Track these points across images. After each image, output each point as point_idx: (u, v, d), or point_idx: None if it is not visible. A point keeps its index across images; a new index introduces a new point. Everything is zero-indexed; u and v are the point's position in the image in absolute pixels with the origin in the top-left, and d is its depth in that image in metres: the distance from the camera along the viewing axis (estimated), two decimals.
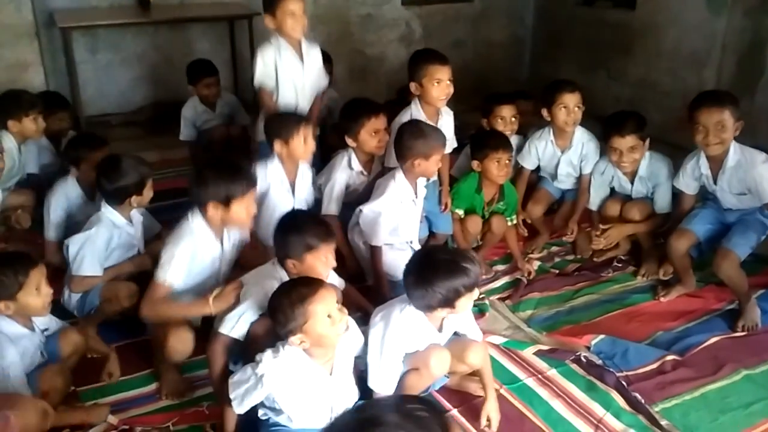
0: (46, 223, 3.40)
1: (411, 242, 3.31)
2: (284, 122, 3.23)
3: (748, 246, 3.15)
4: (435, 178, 3.57)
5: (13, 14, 4.98)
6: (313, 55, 3.74)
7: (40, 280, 2.44)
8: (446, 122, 3.52)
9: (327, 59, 4.38)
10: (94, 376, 2.73)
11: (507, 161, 3.54)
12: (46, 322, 2.57)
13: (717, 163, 3.23)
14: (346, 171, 3.52)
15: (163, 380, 2.73)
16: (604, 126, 3.58)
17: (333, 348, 2.25)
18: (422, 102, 3.42)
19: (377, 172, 3.56)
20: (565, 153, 3.82)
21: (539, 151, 3.86)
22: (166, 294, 2.62)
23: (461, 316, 2.53)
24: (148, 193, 3.07)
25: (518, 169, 3.94)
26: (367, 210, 3.20)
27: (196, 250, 2.71)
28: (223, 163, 2.89)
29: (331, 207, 3.49)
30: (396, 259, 3.08)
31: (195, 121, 4.58)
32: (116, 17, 5.20)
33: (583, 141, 3.80)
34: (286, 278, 2.48)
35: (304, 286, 2.19)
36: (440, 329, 2.48)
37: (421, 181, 3.28)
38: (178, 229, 2.73)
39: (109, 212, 3.01)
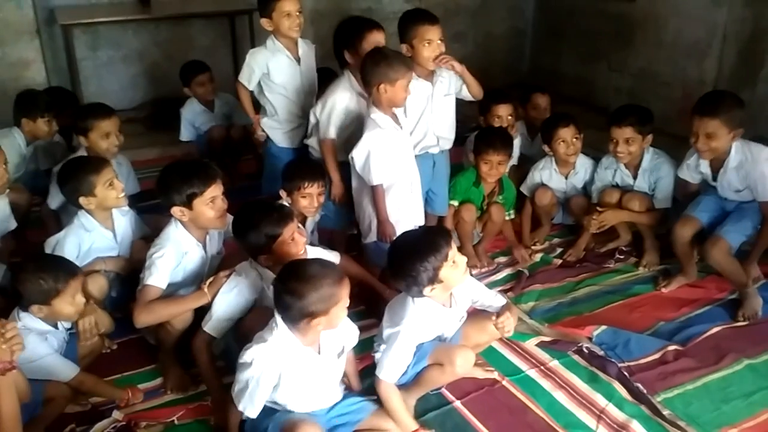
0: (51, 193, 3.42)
1: (412, 184, 3.23)
2: (291, 175, 3.18)
3: (741, 234, 3.16)
4: (436, 161, 3.54)
5: (14, 12, 5.01)
6: (309, 55, 3.75)
7: (77, 289, 2.47)
8: (445, 77, 3.42)
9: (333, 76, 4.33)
10: (104, 371, 2.74)
11: (498, 163, 3.53)
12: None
13: (718, 162, 3.22)
14: (346, 92, 3.36)
15: (166, 375, 2.75)
16: (609, 117, 3.59)
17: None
18: (414, 64, 3.25)
19: None
20: (570, 178, 3.83)
21: (543, 179, 3.86)
22: (156, 295, 2.64)
23: (468, 287, 2.56)
24: (104, 192, 2.94)
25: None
26: (356, 154, 3.10)
27: (179, 256, 2.74)
28: (180, 164, 2.90)
29: (330, 131, 3.35)
30: (398, 206, 3.11)
31: (194, 122, 4.55)
32: (117, 14, 5.21)
33: (585, 167, 3.82)
34: (263, 273, 2.55)
35: (328, 270, 2.19)
36: (450, 305, 2.52)
37: (400, 113, 3.18)
38: (161, 236, 2.76)
39: (82, 215, 2.96)
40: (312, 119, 3.45)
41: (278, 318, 2.18)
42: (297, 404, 2.28)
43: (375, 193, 3.12)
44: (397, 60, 3.04)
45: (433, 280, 2.34)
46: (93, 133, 3.38)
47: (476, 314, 2.65)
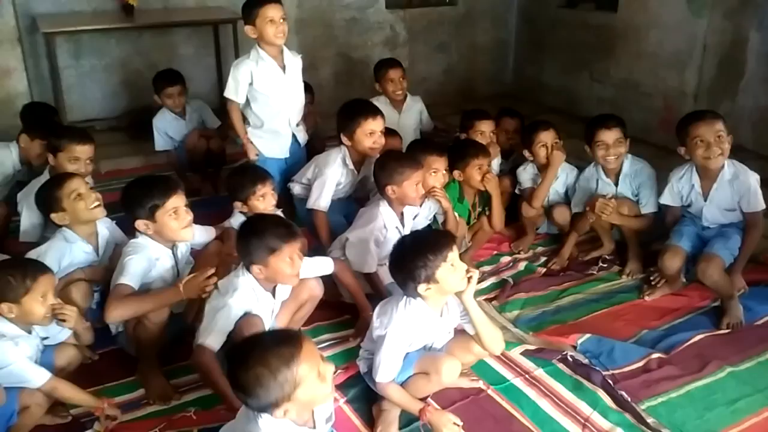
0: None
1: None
2: (240, 183, 3.19)
3: (729, 252, 3.20)
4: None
5: None
6: (296, 65, 3.76)
7: (48, 288, 2.42)
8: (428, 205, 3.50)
9: (308, 89, 4.29)
10: (86, 382, 2.65)
11: (488, 166, 3.60)
12: (52, 330, 2.55)
13: (710, 179, 3.27)
14: (339, 167, 3.53)
15: (147, 386, 2.70)
16: (588, 126, 3.61)
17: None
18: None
19: (365, 173, 3.59)
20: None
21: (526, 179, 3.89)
22: (129, 292, 2.61)
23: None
24: (72, 204, 2.89)
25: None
26: (354, 238, 3.15)
27: (150, 261, 2.72)
28: (141, 178, 2.91)
29: (320, 202, 3.49)
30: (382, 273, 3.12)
31: (167, 131, 4.52)
32: (100, 22, 5.18)
33: (566, 171, 3.84)
34: (250, 284, 2.51)
35: (283, 345, 1.77)
36: (442, 314, 2.53)
37: (409, 210, 3.26)
38: (130, 244, 2.75)
39: (65, 229, 2.93)
40: (303, 180, 3.58)
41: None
42: None
43: (371, 279, 3.15)
44: (402, 163, 3.14)
45: (429, 278, 2.35)
46: (62, 154, 3.37)
47: (462, 333, 2.63)
